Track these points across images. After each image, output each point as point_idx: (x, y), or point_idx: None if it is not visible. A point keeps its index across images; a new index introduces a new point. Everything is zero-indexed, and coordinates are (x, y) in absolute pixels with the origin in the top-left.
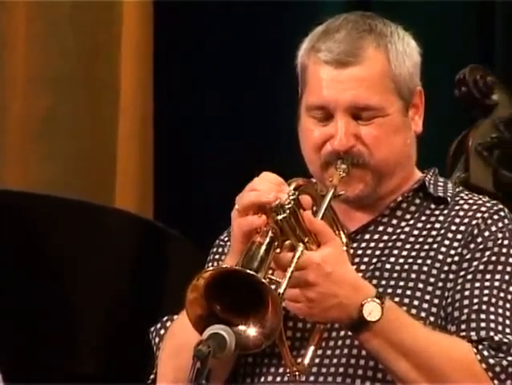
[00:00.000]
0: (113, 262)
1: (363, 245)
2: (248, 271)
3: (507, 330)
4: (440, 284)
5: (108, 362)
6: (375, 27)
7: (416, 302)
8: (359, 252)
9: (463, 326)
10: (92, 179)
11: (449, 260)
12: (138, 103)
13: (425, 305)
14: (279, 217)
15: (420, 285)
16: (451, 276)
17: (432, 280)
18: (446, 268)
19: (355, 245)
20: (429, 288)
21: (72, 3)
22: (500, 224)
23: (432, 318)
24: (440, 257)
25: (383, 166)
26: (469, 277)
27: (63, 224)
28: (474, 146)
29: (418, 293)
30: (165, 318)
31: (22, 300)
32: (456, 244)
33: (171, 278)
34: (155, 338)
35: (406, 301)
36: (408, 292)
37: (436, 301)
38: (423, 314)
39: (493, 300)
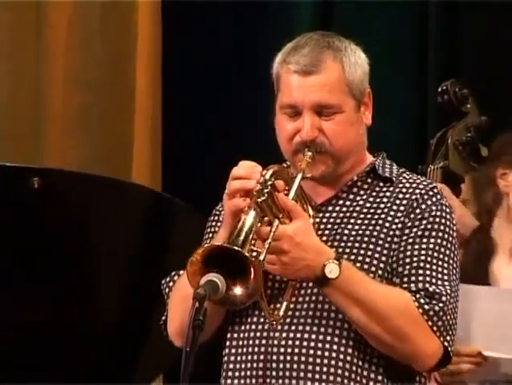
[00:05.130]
0: (130, 227)
1: (327, 215)
2: (234, 248)
3: (439, 282)
4: (386, 245)
5: (126, 308)
6: (333, 44)
7: (367, 260)
8: (324, 220)
9: (405, 279)
10: (115, 160)
11: (393, 227)
12: (149, 101)
13: (375, 262)
14: (259, 200)
15: (371, 246)
16: (395, 239)
17: (380, 242)
18: (391, 233)
19: (320, 215)
20: (378, 248)
21: (100, 20)
22: (434, 199)
23: (380, 272)
24: (387, 224)
25: (340, 153)
26: (410, 240)
27: (92, 194)
28: (453, 141)
29: (369, 253)
30: (173, 273)
31: (58, 257)
32: (399, 214)
33: (178, 239)
34: (165, 288)
35: (360, 258)
36: (362, 252)
37: (383, 258)
38: (373, 269)
39: (429, 259)
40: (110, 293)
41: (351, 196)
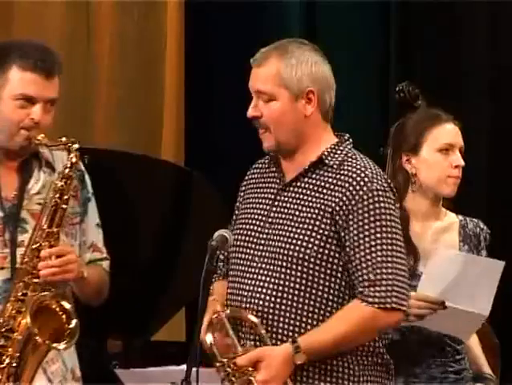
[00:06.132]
0: (161, 193)
1: (289, 194)
2: None
3: (383, 266)
4: (322, 226)
5: (159, 258)
6: (286, 48)
7: (306, 238)
8: (286, 199)
9: (359, 267)
10: (147, 140)
11: (327, 209)
12: (174, 98)
13: (310, 245)
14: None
15: (310, 227)
16: (328, 221)
17: (317, 223)
18: (326, 215)
19: (285, 194)
20: (315, 228)
21: (138, 31)
22: (365, 189)
23: (315, 248)
24: (322, 207)
25: (277, 132)
26: (353, 234)
27: (132, 167)
28: None
29: (308, 232)
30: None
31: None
32: (333, 199)
33: (195, 205)
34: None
35: (301, 237)
36: (303, 231)
37: (318, 236)
38: (309, 247)
39: (372, 244)
40: (146, 249)
41: (305, 180)
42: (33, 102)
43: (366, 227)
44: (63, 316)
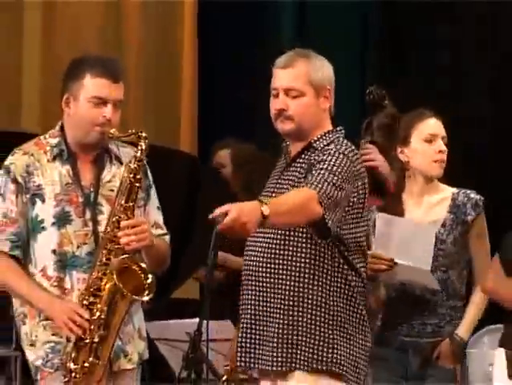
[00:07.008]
0: (172, 182)
1: (288, 173)
2: None
3: (326, 181)
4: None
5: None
6: (307, 55)
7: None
8: (285, 177)
9: (311, 180)
10: (167, 132)
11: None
12: (188, 93)
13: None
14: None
15: (303, 185)
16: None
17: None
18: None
19: (285, 172)
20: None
21: (161, 40)
22: (326, 153)
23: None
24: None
25: (301, 121)
26: (316, 167)
27: (155, 157)
28: (377, 124)
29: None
30: None
31: None
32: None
33: (206, 190)
34: None
35: (297, 187)
36: (299, 187)
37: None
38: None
39: (318, 170)
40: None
41: (299, 160)
42: (104, 102)
43: (320, 168)
44: (142, 274)
